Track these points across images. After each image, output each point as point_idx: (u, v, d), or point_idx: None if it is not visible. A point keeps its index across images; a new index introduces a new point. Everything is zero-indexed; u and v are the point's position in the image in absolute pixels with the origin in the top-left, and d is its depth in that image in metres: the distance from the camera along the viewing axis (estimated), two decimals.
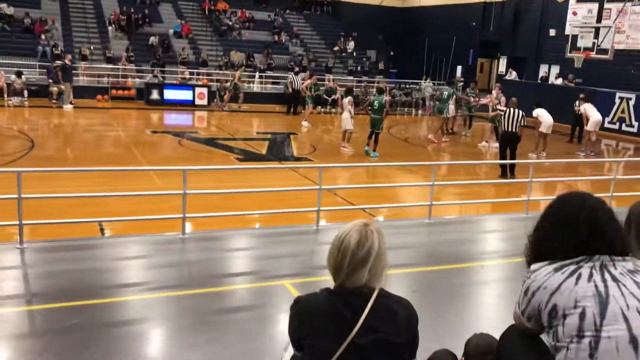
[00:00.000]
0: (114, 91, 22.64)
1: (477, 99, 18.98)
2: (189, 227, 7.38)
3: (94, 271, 5.55)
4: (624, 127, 20.43)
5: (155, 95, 22.23)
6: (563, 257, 2.12)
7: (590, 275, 2.03)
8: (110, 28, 27.15)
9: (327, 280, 2.22)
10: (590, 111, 16.30)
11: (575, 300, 2.00)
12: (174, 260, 6.12)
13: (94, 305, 4.77)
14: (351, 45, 31.53)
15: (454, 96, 18.09)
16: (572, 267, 2.07)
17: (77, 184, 8.95)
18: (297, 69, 23.83)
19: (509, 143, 12.40)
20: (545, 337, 2.16)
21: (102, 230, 7.40)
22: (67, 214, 7.00)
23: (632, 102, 20.23)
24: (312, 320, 2.10)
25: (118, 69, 24.02)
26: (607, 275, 2.03)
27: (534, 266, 2.19)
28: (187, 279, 5.59)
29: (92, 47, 25.22)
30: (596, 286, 2.00)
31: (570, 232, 2.12)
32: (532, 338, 2.32)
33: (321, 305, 2.10)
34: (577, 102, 17.63)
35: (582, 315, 1.97)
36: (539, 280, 2.11)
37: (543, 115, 15.53)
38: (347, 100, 14.84)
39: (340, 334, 2.05)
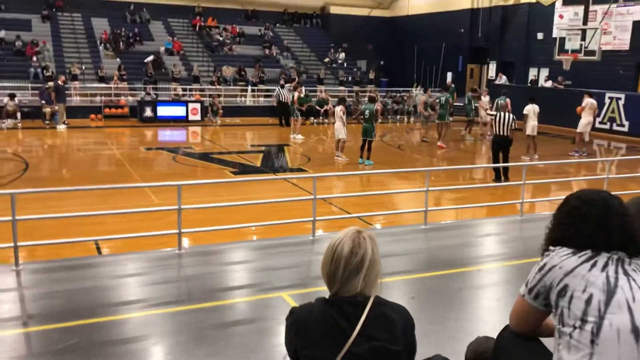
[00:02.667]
0: (107, 110, 22.65)
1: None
2: (185, 242, 7.39)
3: (91, 290, 5.53)
4: (614, 127, 20.57)
5: (148, 112, 22.27)
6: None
7: (605, 265, 2.10)
8: (101, 47, 27.24)
9: (325, 290, 2.23)
10: (583, 112, 16.34)
11: (586, 284, 2.06)
12: (171, 276, 6.11)
13: (93, 325, 4.75)
14: (341, 56, 31.70)
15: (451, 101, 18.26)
16: (590, 254, 2.14)
17: (72, 203, 8.95)
18: (282, 82, 23.90)
19: (501, 147, 12.47)
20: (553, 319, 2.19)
21: (98, 249, 7.39)
22: (63, 234, 7.00)
23: (621, 102, 20.38)
24: (308, 331, 2.10)
25: (110, 87, 24.06)
26: (619, 269, 2.09)
27: (553, 247, 2.25)
28: (185, 294, 5.59)
29: (83, 67, 25.29)
30: (607, 276, 2.07)
31: (601, 235, 2.17)
32: (530, 339, 2.35)
33: (316, 316, 2.10)
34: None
35: (589, 300, 2.03)
36: (557, 259, 2.17)
37: (528, 116, 15.61)
38: (339, 109, 14.91)
39: (337, 344, 2.04)
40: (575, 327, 2.04)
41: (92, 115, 22.28)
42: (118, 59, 26.61)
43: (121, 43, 27.53)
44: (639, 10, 22.30)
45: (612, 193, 2.30)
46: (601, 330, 1.99)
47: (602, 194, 2.25)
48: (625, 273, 2.08)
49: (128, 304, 5.31)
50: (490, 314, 5.21)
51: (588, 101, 16.37)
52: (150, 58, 26.35)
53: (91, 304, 5.17)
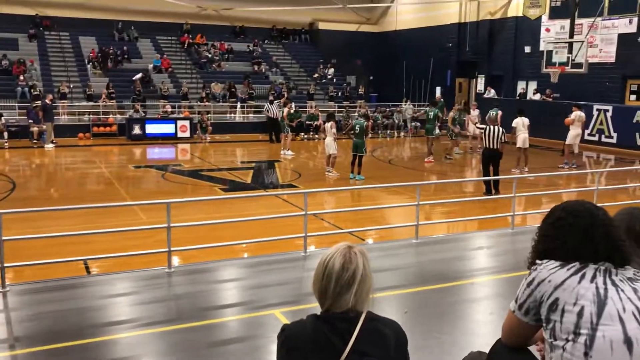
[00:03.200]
0: (95, 128, 22.57)
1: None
2: (175, 260, 7.32)
3: (80, 311, 5.45)
4: (603, 139, 20.72)
5: (137, 130, 22.20)
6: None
7: (594, 277, 2.09)
8: (89, 66, 27.21)
9: (317, 307, 2.20)
10: (575, 122, 16.44)
11: (576, 297, 2.05)
12: (161, 295, 6.04)
13: (82, 346, 4.67)
14: (331, 71, 31.85)
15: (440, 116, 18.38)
16: (578, 266, 2.13)
17: (60, 223, 8.86)
18: (272, 97, 23.95)
19: (491, 160, 12.52)
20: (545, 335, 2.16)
21: (87, 268, 7.30)
22: (51, 254, 6.91)
23: (609, 114, 20.57)
24: (300, 348, 2.06)
25: (99, 106, 23.99)
26: (608, 280, 2.08)
27: (540, 261, 2.23)
28: (175, 313, 5.51)
29: (71, 86, 25.22)
30: (597, 287, 2.06)
31: (586, 246, 2.16)
32: (520, 350, 2.33)
33: (308, 332, 2.07)
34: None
35: (580, 313, 2.02)
36: (545, 273, 2.15)
37: (518, 129, 15.69)
38: (330, 124, 14.93)
39: None
40: (568, 340, 2.02)
41: (81, 134, 22.18)
42: (106, 77, 26.57)
43: (109, 61, 27.52)
44: (623, 23, 22.60)
45: (600, 204, 2.30)
46: (594, 342, 1.98)
47: (587, 205, 2.25)
48: (614, 284, 2.07)
49: (118, 324, 5.23)
50: (483, 328, 5.17)
51: (577, 114, 16.50)
52: (139, 76, 26.35)
53: (80, 325, 5.09)
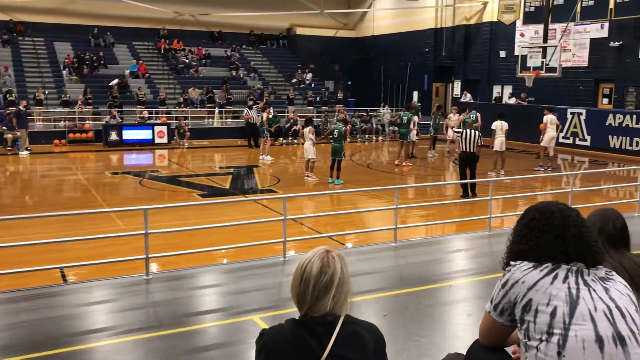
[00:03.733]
0: (71, 135, 22.28)
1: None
2: (154, 267, 7.27)
3: (56, 320, 5.38)
4: (577, 142, 21.07)
5: (113, 136, 21.98)
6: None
7: (566, 277, 2.12)
8: (64, 72, 26.90)
9: (297, 311, 2.21)
10: (548, 125, 16.72)
11: (549, 298, 2.08)
12: (139, 302, 5.99)
13: (59, 355, 4.62)
14: (309, 76, 31.91)
15: (415, 120, 18.41)
16: (551, 267, 2.16)
17: (36, 231, 8.74)
18: (250, 102, 23.92)
19: (468, 163, 12.66)
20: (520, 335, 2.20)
21: (63, 276, 7.22)
22: (26, 263, 6.81)
23: (583, 117, 20.93)
24: (278, 353, 2.07)
25: (74, 112, 23.71)
26: (580, 280, 2.12)
27: (514, 262, 2.26)
28: (154, 320, 5.47)
29: (46, 92, 24.90)
30: (569, 288, 2.09)
31: (558, 247, 2.20)
32: (497, 350, 2.36)
33: (287, 337, 2.07)
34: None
35: (553, 314, 2.05)
36: (518, 274, 2.18)
37: (496, 133, 15.90)
38: (308, 129, 14.95)
39: None
40: (542, 340, 2.06)
41: (56, 141, 21.89)
42: (82, 83, 26.30)
43: (85, 67, 27.24)
44: (595, 28, 23.05)
45: (574, 206, 2.34)
46: (567, 342, 2.01)
47: (560, 205, 2.29)
48: (586, 284, 2.11)
49: (96, 332, 5.18)
50: (462, 330, 5.23)
51: (548, 117, 16.78)
52: (115, 81, 26.13)
53: (57, 333, 5.02)
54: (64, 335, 5.00)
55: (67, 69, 26.99)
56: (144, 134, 22.52)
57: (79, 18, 29.99)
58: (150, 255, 6.52)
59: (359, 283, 6.29)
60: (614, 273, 2.22)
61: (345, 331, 2.07)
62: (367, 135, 25.55)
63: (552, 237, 2.21)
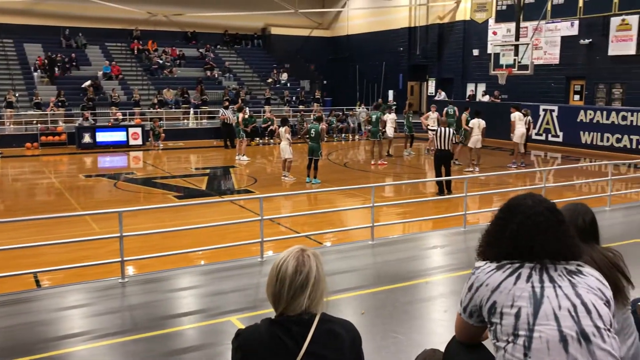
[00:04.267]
0: (43, 138, 21.93)
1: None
2: (130, 270, 7.20)
3: (30, 325, 5.30)
4: (550, 138, 21.40)
5: (87, 138, 21.68)
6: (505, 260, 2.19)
7: (529, 276, 2.10)
8: (35, 74, 26.46)
9: (274, 311, 2.21)
10: (517, 124, 16.97)
11: (513, 299, 2.07)
12: (115, 306, 5.92)
13: None
14: (284, 76, 31.86)
15: (383, 118, 18.44)
16: (514, 267, 2.14)
17: (8, 236, 8.58)
18: (226, 103, 23.80)
19: (443, 161, 12.76)
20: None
21: (37, 282, 7.10)
22: None
23: (555, 114, 21.26)
24: (255, 353, 2.07)
25: (47, 114, 23.33)
26: (545, 277, 2.09)
27: (477, 263, 2.26)
28: (130, 324, 5.42)
29: (17, 94, 24.46)
30: (533, 287, 2.07)
31: (511, 242, 2.18)
32: (476, 347, 2.38)
33: (263, 337, 2.07)
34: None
35: (518, 315, 2.04)
36: (483, 276, 2.18)
37: (473, 130, 16.07)
38: (284, 129, 14.93)
39: None
40: (508, 342, 2.05)
41: (28, 144, 21.52)
42: (54, 85, 25.90)
43: (57, 69, 26.82)
44: (565, 26, 23.43)
45: (545, 199, 2.27)
46: (532, 343, 2.00)
47: (528, 201, 2.23)
48: (551, 280, 2.09)
49: (70, 337, 5.11)
50: (439, 326, 5.28)
51: (515, 114, 16.92)
52: (88, 83, 25.77)
53: (31, 339, 4.95)
54: (39, 341, 4.92)
55: (38, 70, 26.54)
56: (118, 136, 22.27)
57: (49, 19, 29.51)
58: (125, 258, 6.46)
59: (337, 281, 6.31)
60: (585, 266, 2.19)
61: (321, 329, 2.07)
62: (343, 135, 25.61)
63: (508, 232, 2.19)
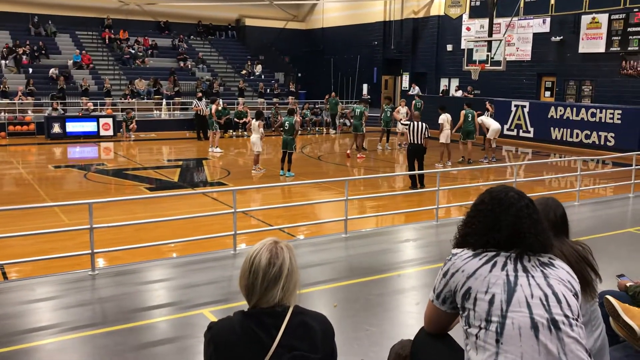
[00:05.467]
0: (11, 127, 21.43)
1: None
2: (100, 262, 7.10)
3: None
4: (521, 133, 21.71)
5: (56, 129, 21.28)
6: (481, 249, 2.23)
7: (504, 265, 2.16)
8: (3, 62, 25.82)
9: (247, 304, 2.19)
10: (487, 121, 17.19)
11: (488, 286, 2.12)
12: (85, 298, 5.83)
13: (0, 355, 4.46)
14: (259, 68, 31.67)
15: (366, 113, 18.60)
16: (490, 255, 2.20)
17: None
18: (200, 94, 23.57)
19: (415, 155, 12.85)
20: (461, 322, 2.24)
21: (4, 274, 6.96)
22: None
23: (526, 110, 21.57)
24: (227, 345, 2.06)
25: (14, 103, 22.81)
26: (519, 266, 2.16)
27: (454, 250, 2.30)
28: (100, 316, 5.35)
29: None
30: (507, 275, 2.13)
31: (493, 233, 2.22)
32: (442, 337, 2.42)
33: (235, 329, 2.07)
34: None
35: (491, 301, 2.09)
36: (459, 263, 2.22)
37: (444, 126, 16.20)
38: (257, 123, 14.86)
39: (257, 356, 2.02)
40: (480, 328, 2.09)
41: None
42: (22, 74, 25.32)
43: (25, 57, 26.21)
44: (537, 23, 23.74)
45: (523, 192, 2.32)
46: (504, 329, 2.05)
47: (511, 192, 2.28)
48: (525, 270, 2.15)
49: (39, 330, 5.02)
50: (411, 318, 5.32)
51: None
52: (53, 71, 25.22)
53: None
54: (5, 335, 4.83)
55: (5, 58, 25.90)
56: (89, 127, 21.90)
57: (17, 5, 28.80)
58: (95, 251, 6.37)
59: (310, 274, 6.32)
60: (557, 259, 2.25)
61: (294, 321, 2.08)
62: (317, 128, 25.59)
63: (490, 223, 2.23)
